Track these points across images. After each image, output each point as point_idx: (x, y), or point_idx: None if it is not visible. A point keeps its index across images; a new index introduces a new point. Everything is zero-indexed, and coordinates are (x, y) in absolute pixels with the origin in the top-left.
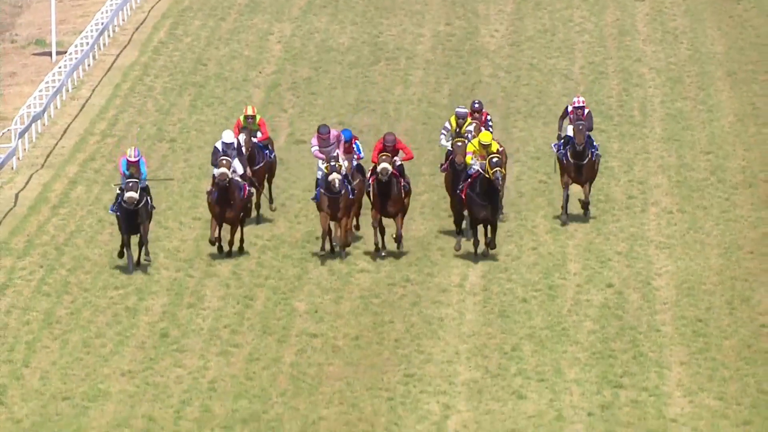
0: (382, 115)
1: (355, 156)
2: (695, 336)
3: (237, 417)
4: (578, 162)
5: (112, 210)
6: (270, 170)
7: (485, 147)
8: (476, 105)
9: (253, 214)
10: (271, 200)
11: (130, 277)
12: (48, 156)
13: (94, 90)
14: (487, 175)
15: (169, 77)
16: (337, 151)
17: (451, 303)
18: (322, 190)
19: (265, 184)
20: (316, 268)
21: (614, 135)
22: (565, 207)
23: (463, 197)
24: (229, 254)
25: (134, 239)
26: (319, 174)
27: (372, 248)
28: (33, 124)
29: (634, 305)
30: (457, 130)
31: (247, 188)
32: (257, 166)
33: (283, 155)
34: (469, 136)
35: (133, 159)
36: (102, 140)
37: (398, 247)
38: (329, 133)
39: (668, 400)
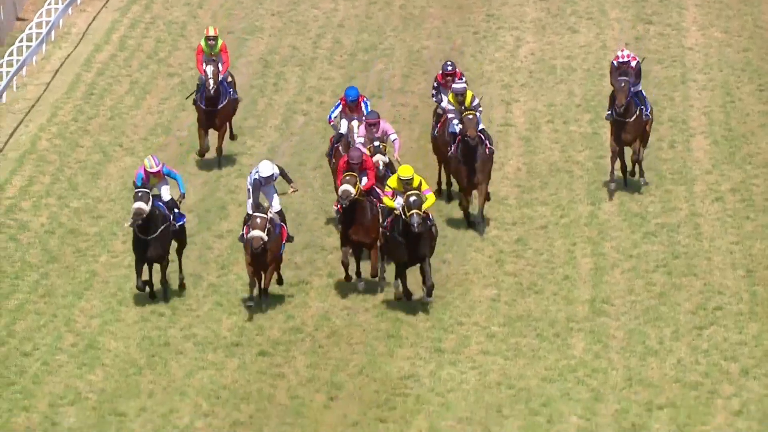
0: None
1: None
2: None
3: (359, 47)
4: (622, 119)
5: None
6: (233, 110)
7: (406, 183)
8: (449, 68)
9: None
10: (232, 136)
11: None
12: None
13: None
14: (404, 217)
15: None
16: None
17: None
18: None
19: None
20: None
21: None
22: (612, 174)
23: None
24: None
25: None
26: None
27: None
28: None
29: None
30: (462, 106)
31: (286, 231)
32: (221, 105)
33: None
34: (480, 110)
35: (154, 169)
36: None
37: (377, 278)
38: (378, 122)
39: (686, 33)
